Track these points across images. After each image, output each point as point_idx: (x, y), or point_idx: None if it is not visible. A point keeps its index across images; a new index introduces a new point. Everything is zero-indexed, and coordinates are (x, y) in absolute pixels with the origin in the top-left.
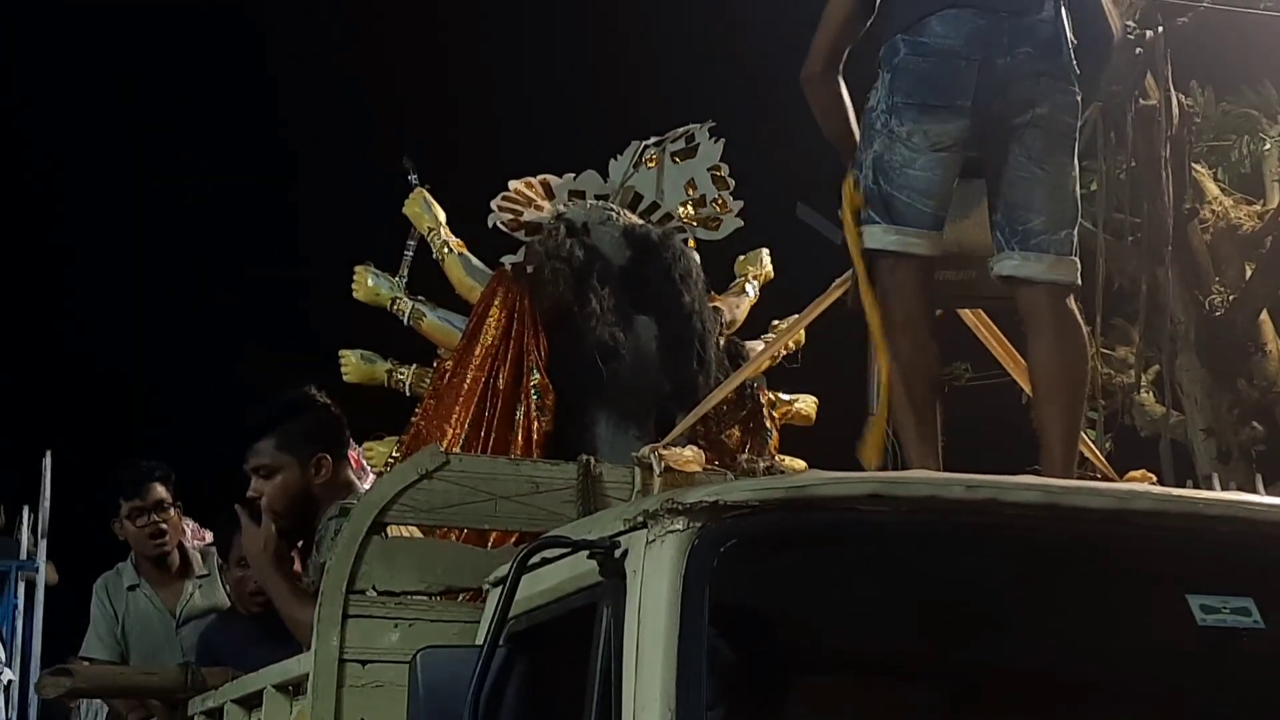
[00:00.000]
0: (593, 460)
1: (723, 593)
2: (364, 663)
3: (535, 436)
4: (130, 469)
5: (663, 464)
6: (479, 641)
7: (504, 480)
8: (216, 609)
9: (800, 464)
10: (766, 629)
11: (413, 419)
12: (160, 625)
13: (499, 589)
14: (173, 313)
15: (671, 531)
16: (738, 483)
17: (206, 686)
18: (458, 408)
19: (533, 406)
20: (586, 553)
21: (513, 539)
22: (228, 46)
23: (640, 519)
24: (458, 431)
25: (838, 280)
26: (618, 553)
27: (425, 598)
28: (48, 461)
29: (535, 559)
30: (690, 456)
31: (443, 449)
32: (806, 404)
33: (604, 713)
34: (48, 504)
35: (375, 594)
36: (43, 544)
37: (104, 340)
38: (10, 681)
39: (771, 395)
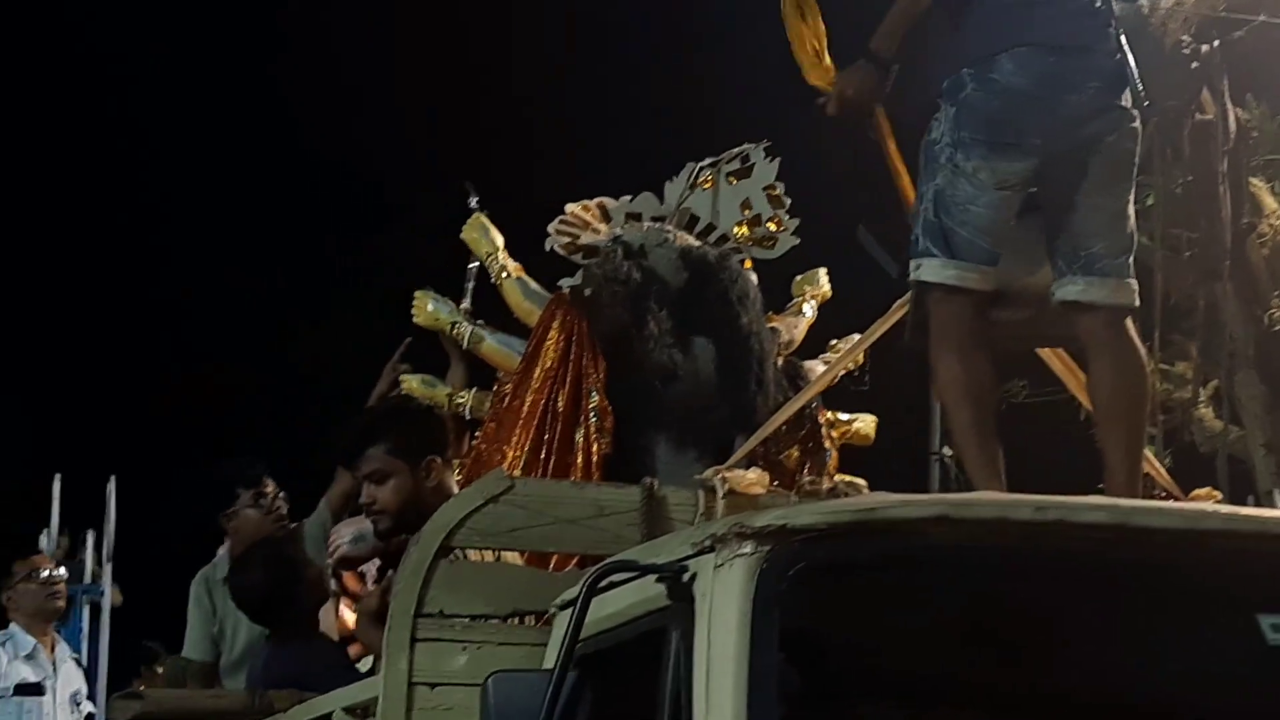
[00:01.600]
0: (656, 483)
1: (791, 616)
2: (433, 685)
3: (595, 459)
4: (235, 464)
5: (726, 487)
6: (547, 665)
7: (568, 504)
8: None
9: (861, 483)
10: (834, 653)
11: (473, 442)
12: None
13: (567, 612)
14: (234, 341)
15: (740, 555)
16: (805, 506)
17: (273, 709)
18: (517, 431)
19: (592, 429)
20: (655, 577)
21: (574, 562)
22: (301, 66)
23: (708, 543)
24: (518, 454)
25: (898, 302)
26: (685, 576)
27: (492, 621)
28: (112, 486)
29: (603, 583)
30: (754, 479)
31: (504, 472)
32: (865, 424)
33: None
34: (112, 528)
35: (443, 618)
36: (108, 567)
37: (167, 366)
38: (91, 714)
39: (830, 415)
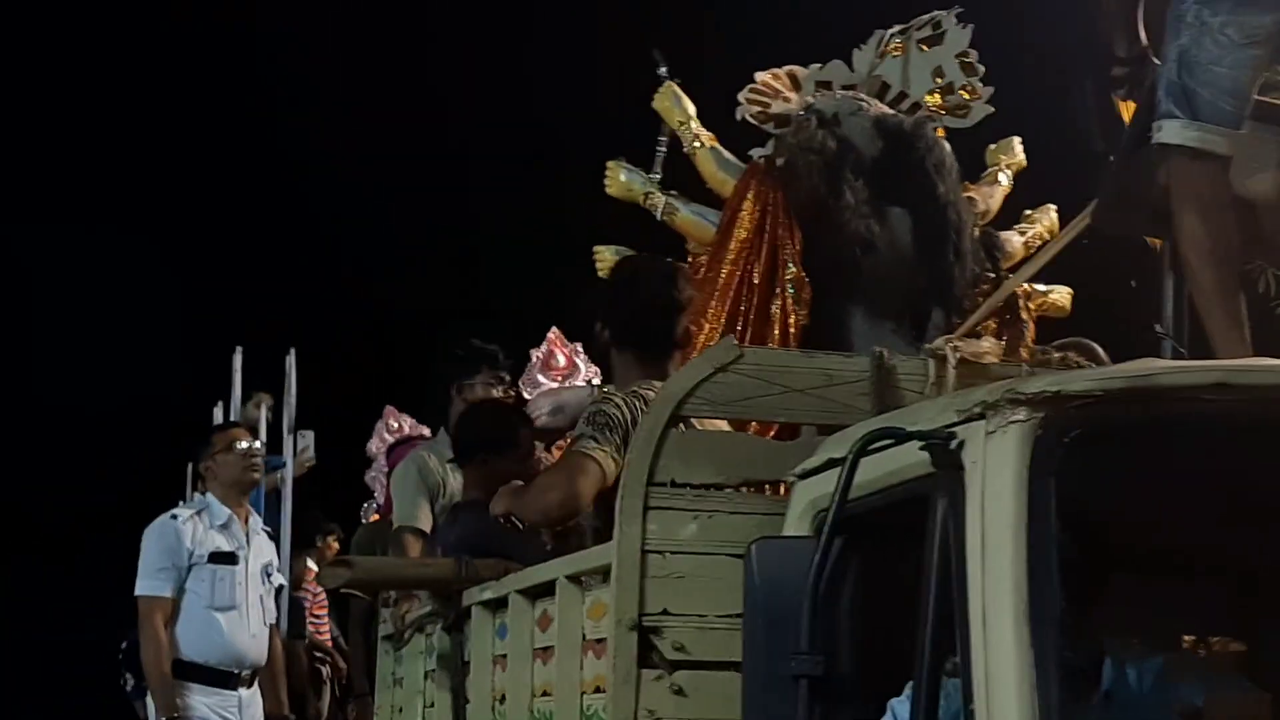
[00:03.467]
0: (885, 352)
1: (1066, 484)
2: (665, 554)
3: (792, 330)
4: (488, 345)
5: (957, 355)
6: (787, 533)
7: (797, 373)
8: None
9: (1093, 345)
10: (1110, 521)
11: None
12: None
13: (807, 481)
14: (416, 216)
15: (1013, 422)
16: (1078, 373)
17: (480, 577)
18: (714, 302)
19: (789, 301)
20: (917, 444)
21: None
22: None
23: (977, 409)
24: (714, 326)
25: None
26: (953, 444)
27: (722, 490)
28: (291, 359)
29: (870, 449)
30: (987, 347)
31: (734, 341)
32: (1061, 295)
33: (942, 605)
34: (294, 399)
35: (673, 486)
36: (289, 439)
37: (348, 238)
38: (282, 585)
39: (1027, 286)
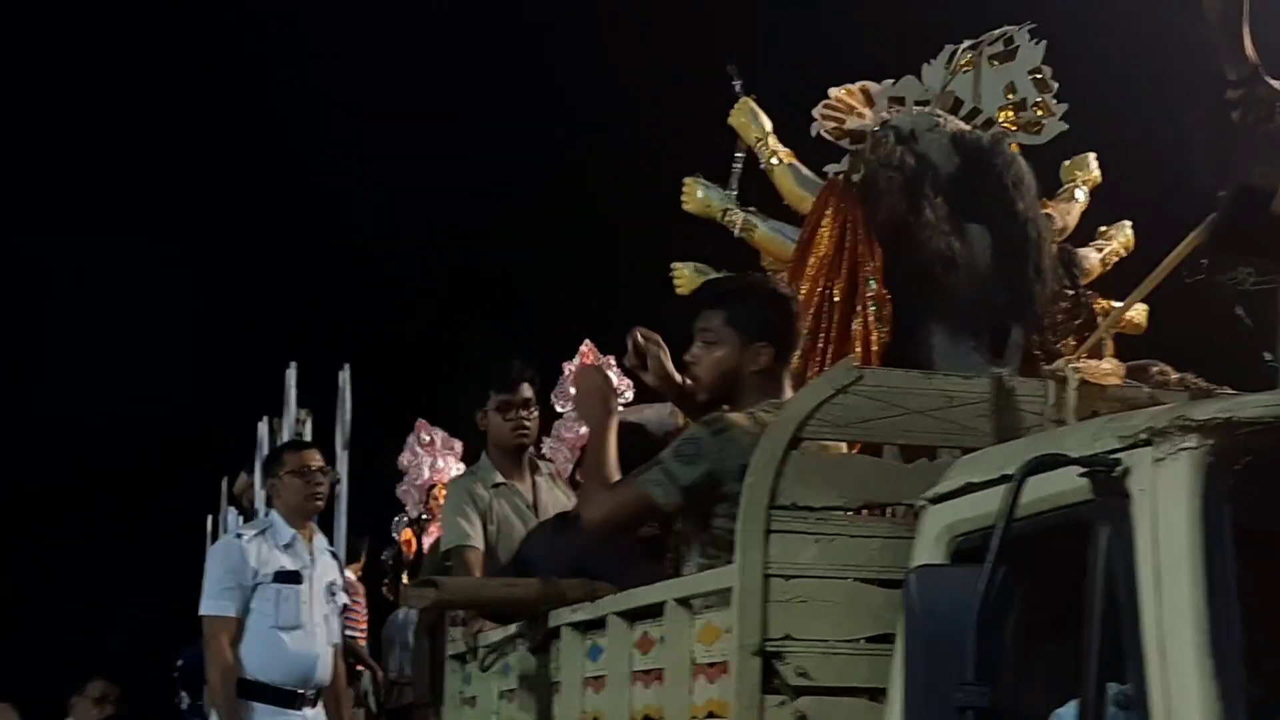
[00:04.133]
0: (1005, 374)
1: (1239, 512)
2: (786, 578)
3: (874, 348)
4: (503, 364)
5: (1078, 377)
6: (916, 561)
7: (917, 395)
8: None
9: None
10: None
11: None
12: (523, 522)
13: (938, 507)
14: (481, 227)
15: (1184, 449)
16: (1248, 398)
17: (565, 598)
18: None
19: (870, 317)
20: (1075, 469)
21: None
22: None
23: (1144, 436)
24: None
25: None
26: (1117, 471)
27: (843, 512)
28: (346, 375)
29: (1031, 476)
30: (1109, 369)
31: (853, 362)
32: (1138, 312)
33: (1107, 634)
34: (348, 416)
35: (795, 509)
36: (343, 455)
37: (401, 255)
38: (346, 605)
39: (1105, 303)
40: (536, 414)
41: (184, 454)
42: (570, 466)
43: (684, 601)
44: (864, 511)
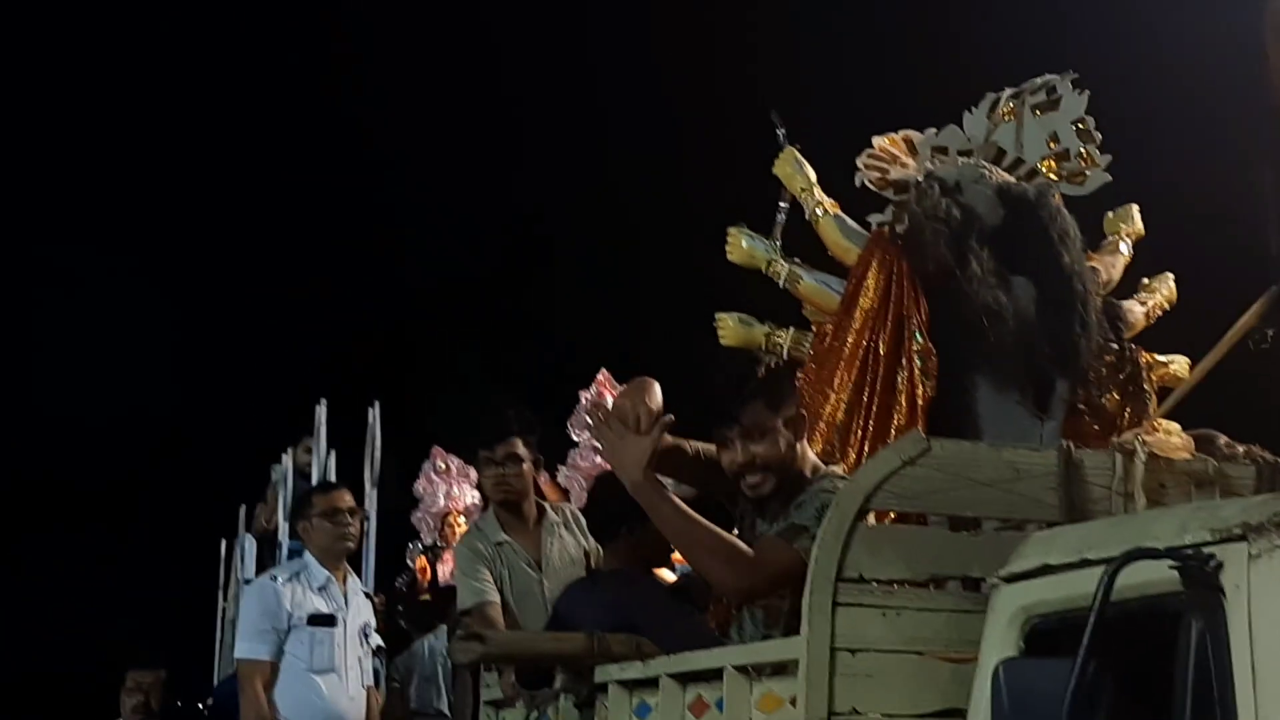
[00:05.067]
0: (1072, 446)
1: None
2: (854, 651)
3: (920, 402)
4: (492, 417)
5: (1146, 450)
6: (989, 640)
7: (984, 467)
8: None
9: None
10: None
11: (795, 383)
12: (528, 579)
13: (1011, 587)
14: (525, 273)
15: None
16: None
17: (611, 654)
18: (839, 372)
19: (916, 371)
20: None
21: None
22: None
23: (1238, 531)
24: (840, 396)
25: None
26: (1210, 565)
27: (911, 586)
28: (375, 412)
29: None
30: (1178, 444)
31: (921, 434)
32: (1180, 365)
33: None
34: (378, 454)
35: (862, 582)
36: (372, 493)
37: (434, 293)
38: (380, 646)
39: (1149, 357)
40: (526, 467)
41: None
42: (585, 495)
43: (742, 669)
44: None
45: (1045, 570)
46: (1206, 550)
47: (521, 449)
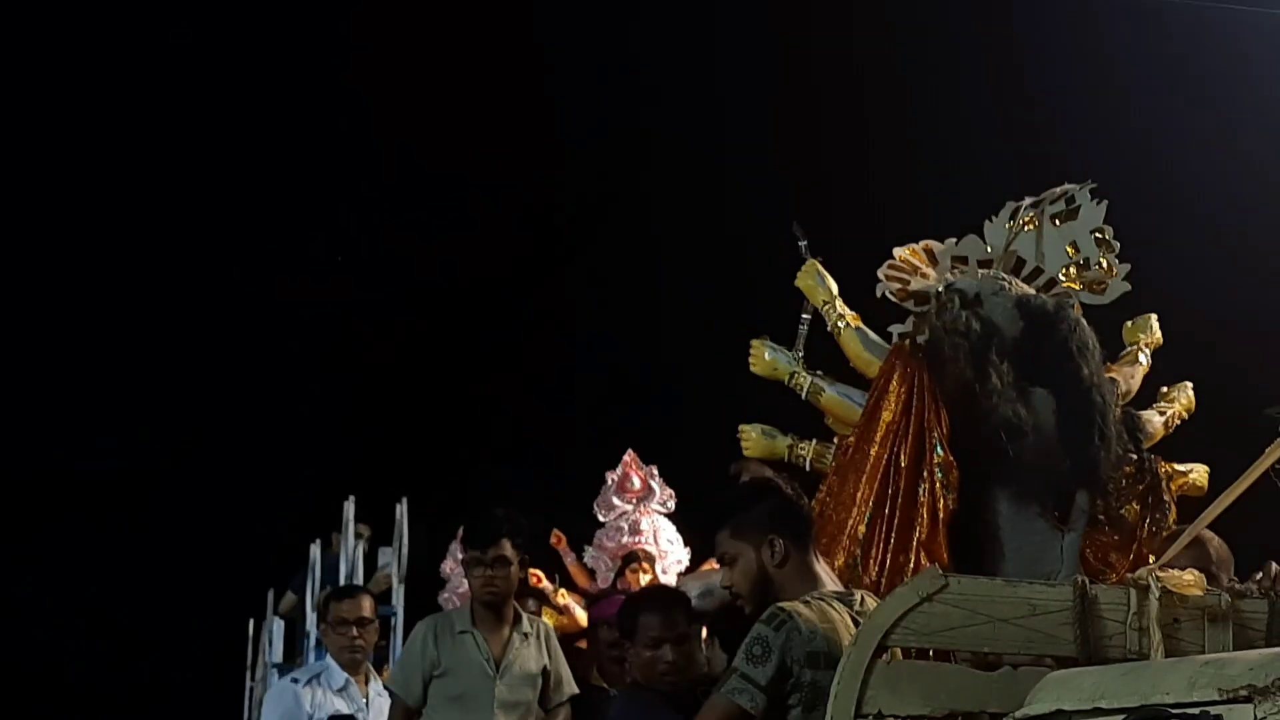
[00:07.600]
0: (1087, 581)
1: None
2: None
3: (941, 515)
4: (481, 519)
5: (1160, 586)
6: None
7: (1001, 603)
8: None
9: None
10: None
11: (817, 496)
12: (481, 674)
13: None
14: (548, 381)
15: None
16: None
17: None
18: (861, 485)
19: (937, 484)
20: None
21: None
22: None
23: (1244, 692)
24: (862, 510)
25: None
26: None
27: None
28: (403, 507)
29: None
30: (1191, 580)
31: (939, 570)
32: (1199, 474)
33: None
34: (405, 549)
35: (879, 718)
36: (399, 589)
37: (444, 388)
38: None
39: (1169, 467)
40: (513, 569)
41: (234, 561)
42: (612, 576)
43: None
44: None
45: (1059, 716)
46: (1214, 711)
47: (510, 551)
